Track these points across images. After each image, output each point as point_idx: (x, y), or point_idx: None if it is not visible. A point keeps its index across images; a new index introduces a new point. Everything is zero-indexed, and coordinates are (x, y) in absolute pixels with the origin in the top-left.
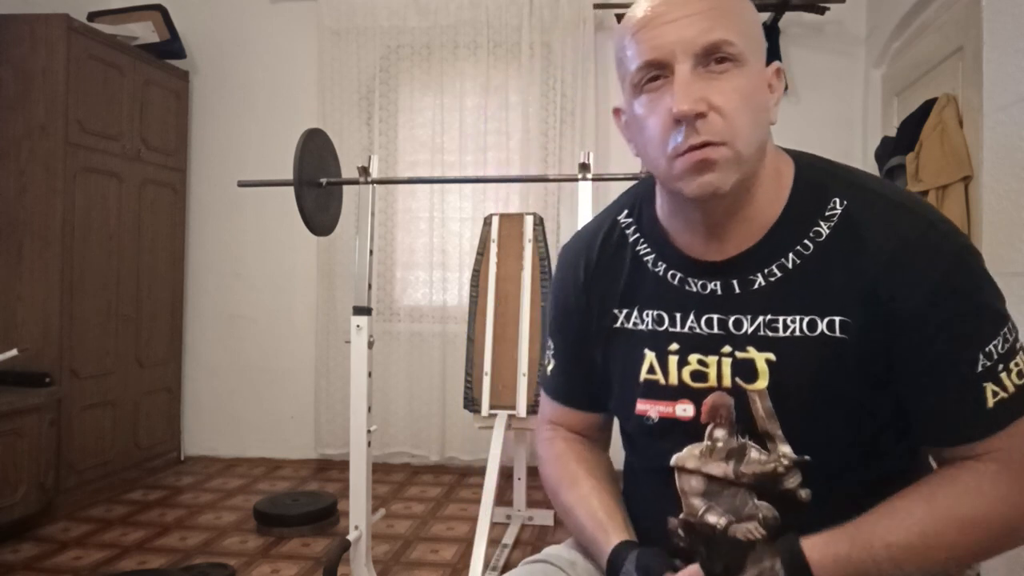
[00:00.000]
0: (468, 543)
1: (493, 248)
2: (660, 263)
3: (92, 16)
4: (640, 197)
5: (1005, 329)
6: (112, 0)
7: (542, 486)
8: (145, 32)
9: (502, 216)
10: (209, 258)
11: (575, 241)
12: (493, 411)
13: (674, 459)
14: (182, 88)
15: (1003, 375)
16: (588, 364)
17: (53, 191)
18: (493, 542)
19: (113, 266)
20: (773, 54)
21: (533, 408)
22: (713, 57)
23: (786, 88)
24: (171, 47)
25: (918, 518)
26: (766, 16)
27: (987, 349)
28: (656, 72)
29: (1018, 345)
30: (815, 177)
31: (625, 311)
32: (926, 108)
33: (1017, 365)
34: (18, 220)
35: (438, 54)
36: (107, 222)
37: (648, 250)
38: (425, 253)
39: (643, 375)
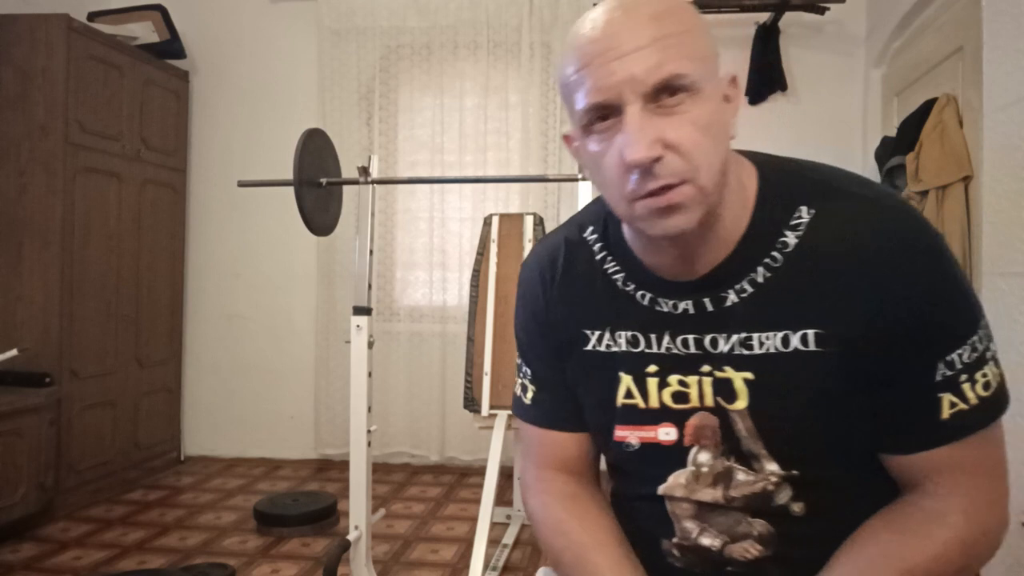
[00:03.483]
0: (468, 543)
1: (493, 248)
2: (630, 283)
3: (92, 16)
4: (606, 213)
5: (975, 338)
6: (112, 0)
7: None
8: (145, 32)
9: (502, 216)
10: (209, 258)
11: (533, 260)
12: (493, 411)
13: (661, 489)
14: (182, 88)
15: (965, 385)
16: (568, 382)
17: (53, 191)
18: (493, 542)
19: (113, 266)
20: (773, 54)
21: None
22: (665, 92)
23: (785, 88)
24: (171, 47)
25: None
26: (766, 16)
27: (949, 358)
28: (604, 112)
29: (989, 354)
30: (780, 184)
31: (597, 333)
32: (926, 108)
33: (985, 376)
34: (18, 220)
35: (438, 54)
36: (107, 222)
37: (617, 269)
38: (425, 253)
39: (620, 400)
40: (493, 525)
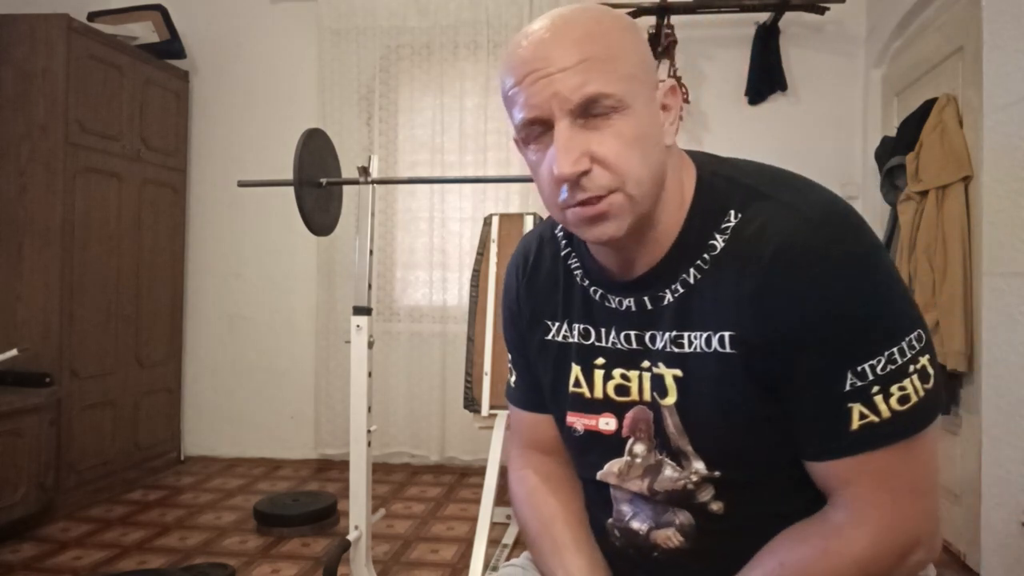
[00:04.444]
0: (468, 543)
1: (493, 248)
2: (586, 279)
3: (92, 16)
4: None
5: (895, 350)
6: (112, 0)
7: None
8: (145, 32)
9: (502, 216)
10: (209, 258)
11: (514, 254)
12: (493, 411)
13: (599, 475)
14: (182, 88)
15: (877, 397)
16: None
17: (53, 191)
18: (493, 542)
19: (113, 266)
20: (773, 54)
21: None
22: (591, 111)
23: (785, 88)
24: (171, 47)
25: None
26: (766, 16)
27: (860, 368)
28: (538, 128)
29: (913, 368)
30: (714, 188)
31: (556, 323)
32: (926, 108)
33: (903, 389)
34: (18, 220)
35: (438, 54)
36: (107, 222)
37: (578, 265)
38: (425, 253)
39: (571, 388)
40: (493, 525)
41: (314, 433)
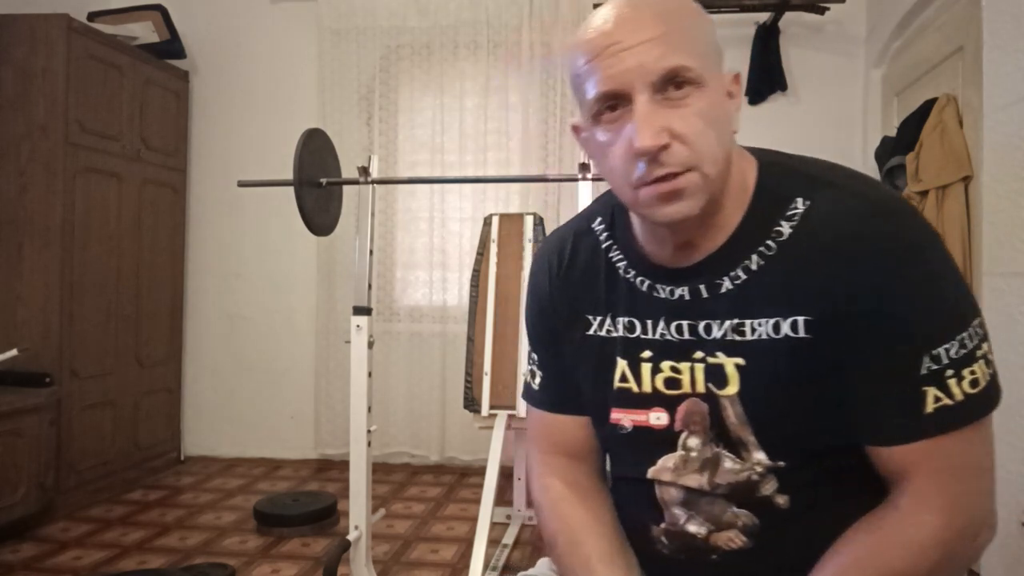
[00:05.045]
0: (468, 543)
1: (493, 248)
2: (631, 270)
3: (92, 16)
4: (614, 204)
5: (965, 334)
6: (112, 0)
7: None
8: (145, 32)
9: (502, 216)
10: (209, 258)
11: (543, 250)
12: (493, 411)
13: (650, 472)
14: (182, 88)
15: (951, 381)
16: (569, 367)
17: (53, 191)
18: (493, 542)
19: (113, 266)
20: (773, 54)
21: None
22: (672, 83)
23: (785, 88)
24: (171, 47)
25: None
26: (766, 16)
27: (935, 352)
28: (614, 102)
29: (979, 352)
30: (778, 177)
31: (599, 318)
32: (926, 108)
33: (973, 373)
34: (18, 220)
35: (438, 54)
36: (107, 222)
37: (620, 257)
38: (425, 253)
39: (616, 383)
40: (493, 525)
41: (314, 433)
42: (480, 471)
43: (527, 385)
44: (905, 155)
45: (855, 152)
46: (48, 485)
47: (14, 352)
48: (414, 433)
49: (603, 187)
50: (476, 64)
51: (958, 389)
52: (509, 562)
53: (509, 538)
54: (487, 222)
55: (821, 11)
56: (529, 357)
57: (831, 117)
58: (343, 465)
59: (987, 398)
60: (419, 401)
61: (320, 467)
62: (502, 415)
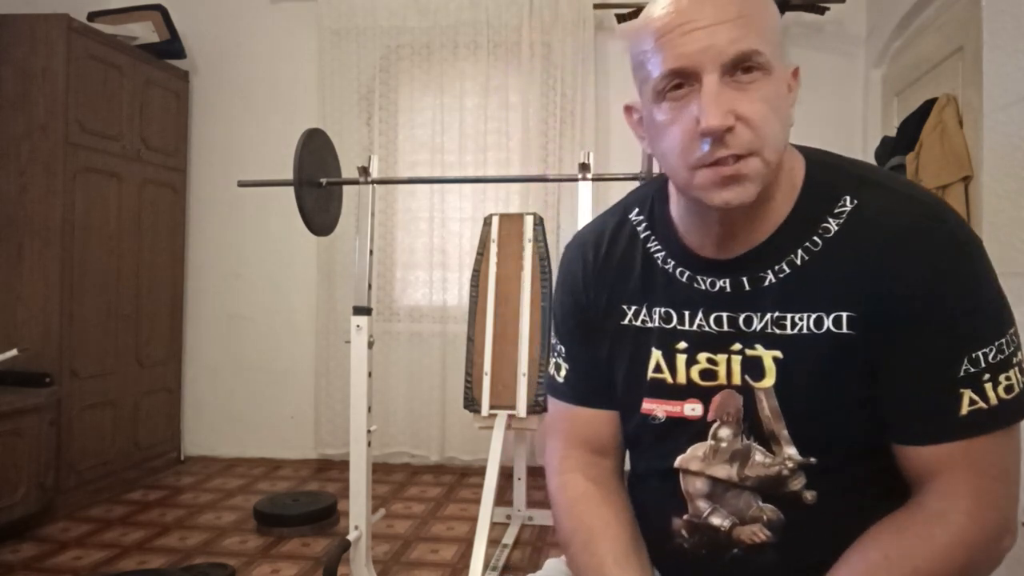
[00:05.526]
0: (468, 543)
1: (493, 248)
2: (670, 260)
3: (92, 16)
4: (652, 195)
5: (1003, 340)
6: (112, 0)
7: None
8: (145, 32)
9: (502, 216)
10: (209, 258)
11: (577, 239)
12: (493, 411)
13: (678, 460)
14: (182, 88)
15: (987, 385)
16: (601, 360)
17: (53, 191)
18: (493, 542)
19: (113, 266)
20: None
21: (533, 408)
22: (741, 67)
23: None
24: (171, 47)
25: None
26: None
27: (975, 355)
28: (680, 80)
29: (1015, 359)
30: (826, 174)
31: (634, 308)
32: (926, 108)
33: (1009, 379)
34: (18, 220)
35: (438, 54)
36: (107, 222)
37: (659, 247)
38: (425, 253)
39: (650, 373)
40: (493, 525)
41: (314, 433)
42: (480, 471)
43: (550, 378)
44: (905, 155)
45: (855, 152)
46: (48, 485)
47: (14, 352)
48: (414, 433)
49: (604, 188)
50: (476, 64)
51: (993, 394)
52: (509, 562)
53: (509, 538)
54: (487, 222)
55: (821, 11)
56: (553, 350)
57: (831, 117)
58: (343, 465)
59: (1020, 404)
60: (419, 401)
61: (320, 467)
62: (502, 415)
